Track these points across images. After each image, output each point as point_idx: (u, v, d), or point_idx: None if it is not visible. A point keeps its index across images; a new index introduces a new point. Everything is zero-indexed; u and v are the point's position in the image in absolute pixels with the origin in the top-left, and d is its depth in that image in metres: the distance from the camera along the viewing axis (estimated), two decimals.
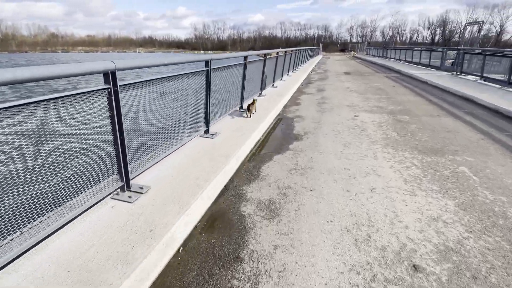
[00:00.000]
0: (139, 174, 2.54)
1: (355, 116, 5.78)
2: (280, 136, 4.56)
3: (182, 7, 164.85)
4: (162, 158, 2.88)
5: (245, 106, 5.43)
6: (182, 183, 2.54)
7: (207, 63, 3.62)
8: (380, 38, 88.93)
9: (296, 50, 15.11)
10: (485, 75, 9.79)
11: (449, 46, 13.03)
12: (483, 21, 10.90)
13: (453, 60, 13.40)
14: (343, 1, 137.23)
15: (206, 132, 3.89)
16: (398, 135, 4.51)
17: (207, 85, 3.70)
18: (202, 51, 79.50)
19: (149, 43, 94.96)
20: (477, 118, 5.56)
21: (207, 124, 3.86)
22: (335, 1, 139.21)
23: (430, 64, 15.26)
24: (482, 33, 10.82)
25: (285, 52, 10.43)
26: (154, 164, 2.74)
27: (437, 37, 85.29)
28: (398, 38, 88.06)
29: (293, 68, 14.07)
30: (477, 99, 7.02)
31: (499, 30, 76.73)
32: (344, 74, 13.95)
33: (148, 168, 2.65)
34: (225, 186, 2.84)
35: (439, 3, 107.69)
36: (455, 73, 12.22)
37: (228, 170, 2.99)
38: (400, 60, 22.59)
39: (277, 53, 8.82)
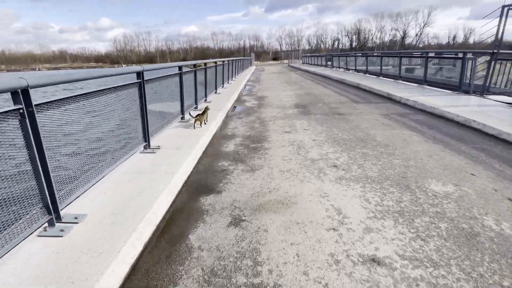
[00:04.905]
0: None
1: None
2: None
3: (106, 18, 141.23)
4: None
5: None
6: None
7: None
8: (307, 46, 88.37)
9: (211, 64, 7.09)
10: None
11: (478, 50, 6.15)
12: None
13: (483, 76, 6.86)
14: (272, 13, 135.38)
15: None
16: None
17: None
18: (124, 65, 65.70)
19: (59, 59, 75.59)
20: None
21: None
22: (264, 13, 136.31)
23: (428, 80, 8.69)
24: None
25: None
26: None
27: (354, 43, 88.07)
28: (322, 46, 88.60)
29: (206, 96, 5.90)
30: None
31: (403, 34, 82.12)
32: (301, 114, 6.28)
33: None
34: None
35: (352, 14, 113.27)
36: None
37: None
38: (349, 70, 16.35)
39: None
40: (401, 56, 10.26)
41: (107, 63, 73.44)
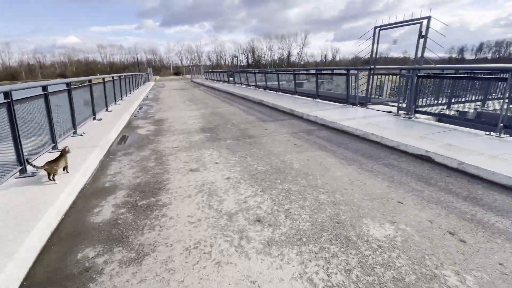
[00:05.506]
0: None
1: None
2: None
3: None
4: None
5: None
6: None
7: None
8: (208, 62, 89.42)
9: (85, 83, 5.23)
10: None
11: (359, 67, 6.93)
12: (429, 16, 5.23)
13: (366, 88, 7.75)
14: (168, 28, 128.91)
15: None
16: None
17: None
18: None
19: None
20: None
21: None
22: (160, 27, 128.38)
23: (320, 95, 9.36)
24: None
25: None
26: None
27: (250, 60, 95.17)
28: (222, 62, 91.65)
29: (74, 127, 3.89)
30: None
31: (288, 53, 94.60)
32: (209, 141, 5.28)
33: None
34: None
35: (244, 34, 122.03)
36: (395, 113, 6.36)
37: None
38: (250, 86, 16.76)
39: None
40: (295, 73, 10.90)
41: None
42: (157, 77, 51.42)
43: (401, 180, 3.17)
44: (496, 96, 7.85)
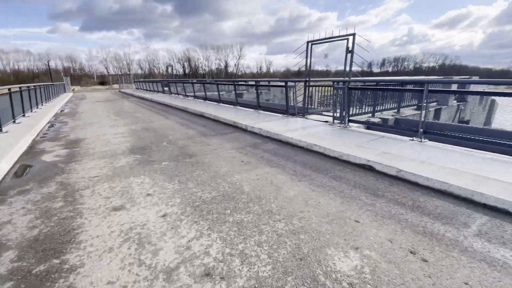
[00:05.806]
0: None
1: None
2: None
3: None
4: None
5: None
6: None
7: None
8: (139, 70, 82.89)
9: None
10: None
11: (295, 79, 7.14)
12: (354, 34, 5.71)
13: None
14: (90, 33, 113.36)
15: None
16: None
17: None
18: None
19: None
20: None
21: None
22: (80, 32, 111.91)
23: (261, 106, 9.29)
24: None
25: None
26: None
27: (187, 70, 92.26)
28: (155, 71, 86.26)
29: None
30: None
31: (225, 64, 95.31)
32: (140, 164, 4.40)
33: None
34: None
35: (179, 43, 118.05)
36: (331, 122, 6.63)
37: None
38: (188, 96, 15.93)
39: None
40: (235, 84, 10.67)
41: None
42: (76, 87, 44.71)
43: (352, 194, 3.10)
44: (405, 104, 9.14)
